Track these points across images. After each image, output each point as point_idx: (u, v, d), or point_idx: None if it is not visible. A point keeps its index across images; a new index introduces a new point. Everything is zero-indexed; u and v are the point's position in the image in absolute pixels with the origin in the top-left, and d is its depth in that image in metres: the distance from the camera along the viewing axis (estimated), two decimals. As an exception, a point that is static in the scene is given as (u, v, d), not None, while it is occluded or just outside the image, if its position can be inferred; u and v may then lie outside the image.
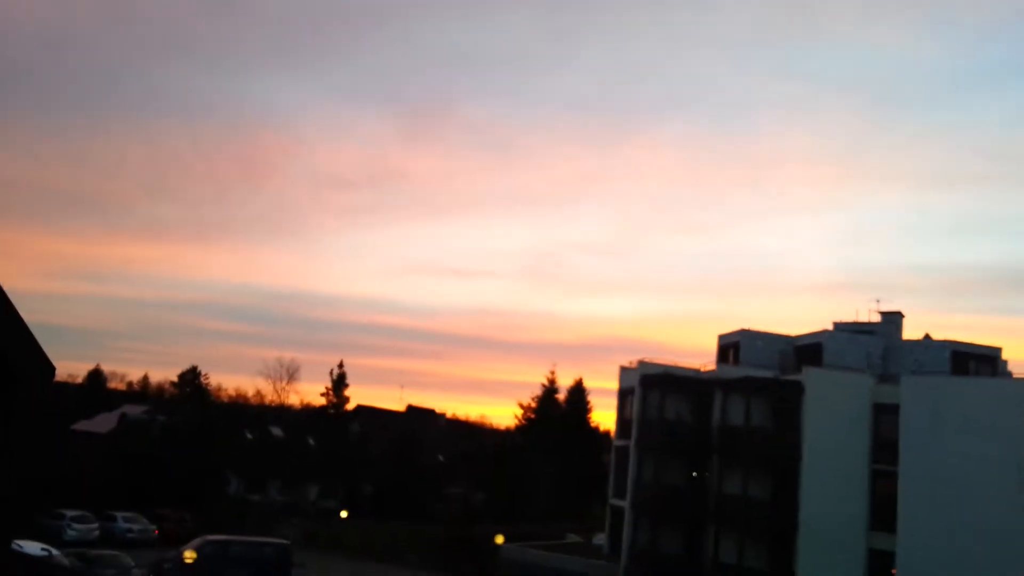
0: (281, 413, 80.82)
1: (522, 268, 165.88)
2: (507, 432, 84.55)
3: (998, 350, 39.71)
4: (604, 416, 74.86)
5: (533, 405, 71.94)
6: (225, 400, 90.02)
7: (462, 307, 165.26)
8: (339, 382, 71.64)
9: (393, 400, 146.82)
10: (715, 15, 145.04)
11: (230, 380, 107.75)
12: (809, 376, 36.68)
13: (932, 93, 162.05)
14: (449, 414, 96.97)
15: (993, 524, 32.38)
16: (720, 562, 36.53)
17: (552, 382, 72.94)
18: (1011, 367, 39.41)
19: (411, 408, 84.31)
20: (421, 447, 65.60)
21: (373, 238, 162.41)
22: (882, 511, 35.24)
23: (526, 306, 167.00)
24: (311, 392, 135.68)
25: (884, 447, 35.86)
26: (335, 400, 71.97)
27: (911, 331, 42.82)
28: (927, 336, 41.24)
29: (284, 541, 35.98)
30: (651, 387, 39.92)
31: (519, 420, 73.32)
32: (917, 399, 34.93)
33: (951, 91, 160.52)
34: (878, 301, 43.65)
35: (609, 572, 39.12)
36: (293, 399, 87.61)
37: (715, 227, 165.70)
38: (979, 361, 39.14)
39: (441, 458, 69.01)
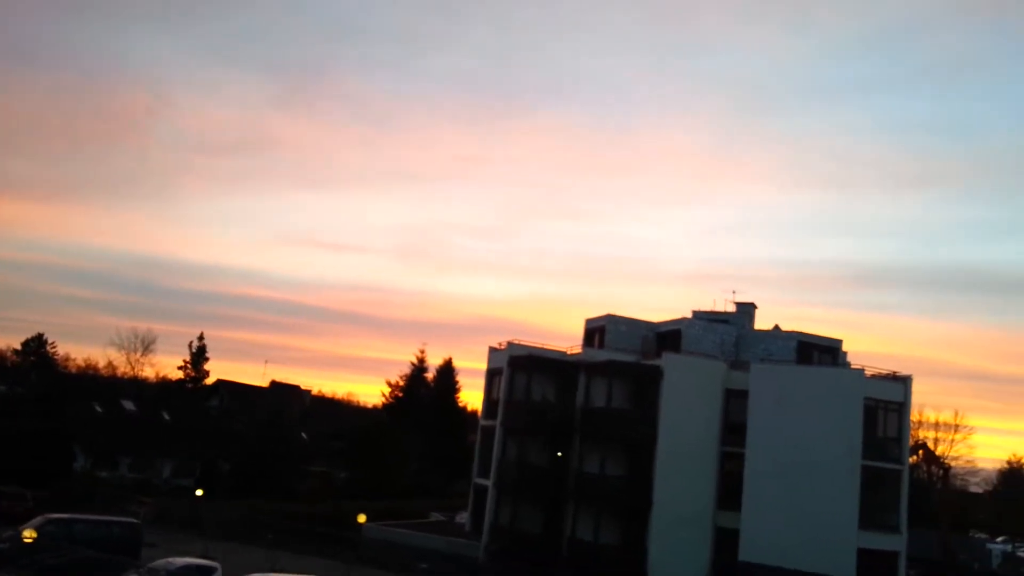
0: (135, 386, 77.22)
1: (398, 245, 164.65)
2: (374, 410, 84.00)
3: (839, 342, 42.61)
4: (473, 396, 75.56)
5: (401, 384, 71.74)
6: (73, 371, 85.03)
7: (334, 282, 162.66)
8: (198, 355, 69.18)
9: (257, 376, 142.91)
10: (603, 6, 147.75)
11: (80, 350, 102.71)
12: (668, 361, 38.30)
13: (795, 98, 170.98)
14: (315, 391, 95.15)
15: (827, 503, 34.97)
16: (577, 538, 37.76)
17: (422, 361, 72.94)
18: (850, 358, 42.37)
19: (275, 384, 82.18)
20: (285, 424, 64.15)
21: (242, 206, 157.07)
22: (729, 490, 37.34)
23: (400, 284, 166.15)
24: (168, 365, 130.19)
25: (733, 430, 37.99)
26: (194, 374, 69.48)
27: (763, 321, 45.49)
28: (776, 327, 43.86)
29: (133, 520, 34.56)
30: (518, 368, 40.62)
31: (386, 399, 72.97)
32: (764, 385, 37.17)
33: (812, 97, 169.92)
34: (734, 292, 45.97)
35: (470, 550, 39.66)
36: (148, 372, 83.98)
37: (590, 214, 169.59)
38: (822, 351, 41.85)
39: (305, 436, 67.75)
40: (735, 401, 38.24)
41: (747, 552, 35.23)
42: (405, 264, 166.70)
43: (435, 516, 50.15)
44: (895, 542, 36.15)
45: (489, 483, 40.55)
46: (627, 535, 37.43)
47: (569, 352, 42.11)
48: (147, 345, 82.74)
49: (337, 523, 41.09)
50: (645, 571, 36.11)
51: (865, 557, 34.54)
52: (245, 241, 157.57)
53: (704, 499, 37.84)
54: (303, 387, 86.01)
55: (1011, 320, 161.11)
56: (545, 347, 42.58)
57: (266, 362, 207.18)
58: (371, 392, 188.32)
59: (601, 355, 40.54)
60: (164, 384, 76.81)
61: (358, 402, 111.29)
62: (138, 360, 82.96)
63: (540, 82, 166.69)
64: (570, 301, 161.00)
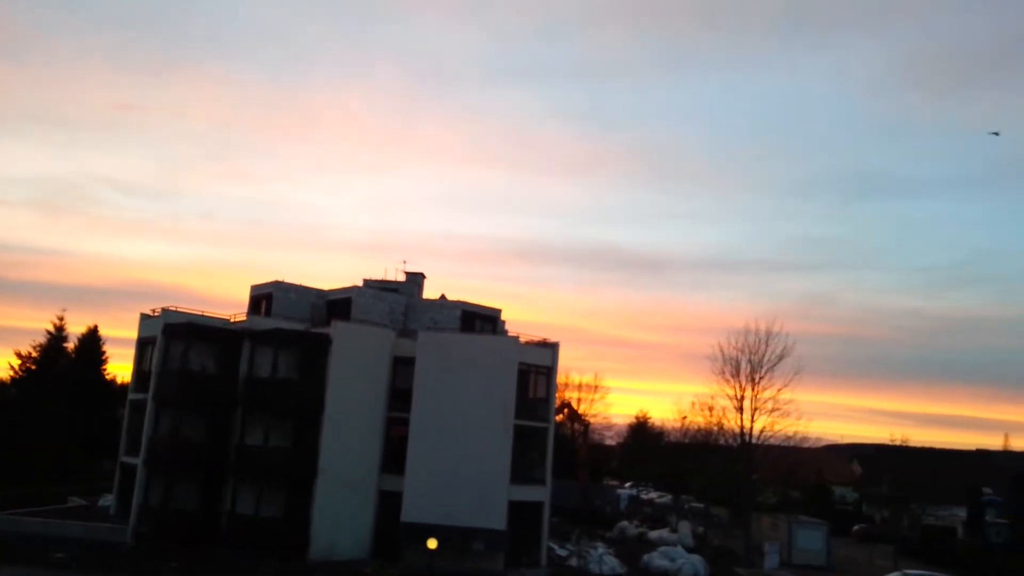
0: None
1: (36, 198, 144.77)
2: (3, 386, 73.39)
3: (499, 311, 45.39)
4: (124, 368, 69.01)
5: (35, 355, 63.39)
6: None
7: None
8: None
9: None
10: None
11: None
12: (336, 329, 38.07)
13: (475, 79, 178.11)
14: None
15: (483, 462, 37.22)
16: (237, 513, 36.32)
17: (61, 328, 64.82)
18: (508, 326, 45.44)
19: None
20: None
21: None
22: (394, 455, 38.23)
23: (38, 242, 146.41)
24: None
25: (400, 396, 38.91)
26: None
27: (431, 291, 46.98)
28: (443, 296, 45.58)
29: None
30: (174, 337, 37.81)
31: (17, 372, 64.02)
32: (429, 352, 38.49)
33: (490, 80, 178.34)
34: (404, 262, 46.93)
35: (115, 534, 36.36)
36: None
37: (262, 177, 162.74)
38: (483, 320, 44.31)
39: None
40: (403, 368, 39.12)
41: (409, 513, 36.40)
42: (45, 220, 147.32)
43: (75, 500, 45.27)
44: (541, 493, 39.56)
45: (139, 461, 37.42)
46: (291, 506, 36.75)
47: (233, 320, 40.04)
48: None
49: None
50: (308, 540, 35.81)
51: (516, 508, 37.40)
52: None
53: (370, 465, 38.36)
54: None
55: (646, 294, 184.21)
56: (206, 314, 39.98)
57: None
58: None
59: (267, 323, 39.13)
60: None
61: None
62: None
63: (213, 29, 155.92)
64: (238, 267, 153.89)
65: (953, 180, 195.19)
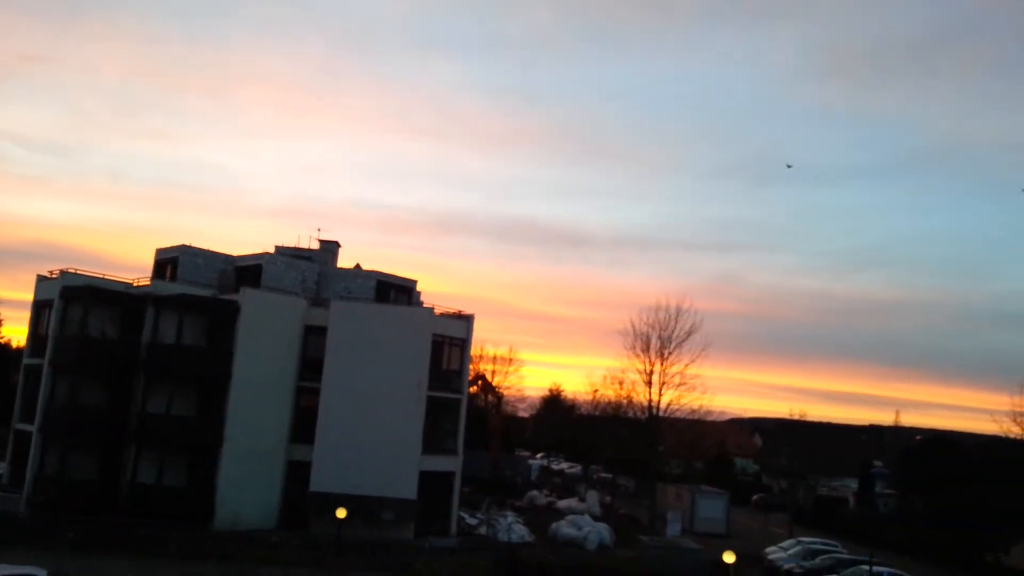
0: None
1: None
2: None
3: (414, 282, 45.17)
4: (20, 332, 65.97)
5: (-81, 317, 60.01)
6: None
7: None
8: None
9: None
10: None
11: None
12: (245, 296, 37.22)
13: (399, 48, 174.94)
14: None
15: (395, 432, 37.17)
16: (138, 482, 35.33)
17: (-50, 291, 61.59)
18: (424, 298, 45.24)
19: None
20: None
21: None
22: (304, 424, 37.80)
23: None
24: None
25: (311, 365, 38.43)
26: None
27: (346, 260, 46.34)
28: (358, 266, 45.01)
29: None
30: (73, 300, 36.28)
31: (-101, 335, 60.55)
32: (343, 322, 38.06)
33: (416, 50, 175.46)
34: (319, 230, 46.19)
35: (8, 504, 34.92)
36: None
37: (174, 136, 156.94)
38: (399, 291, 44.02)
39: None
40: (314, 337, 38.58)
41: (318, 483, 36.14)
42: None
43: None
44: (452, 463, 39.82)
45: (34, 428, 35.95)
46: (195, 475, 35.98)
47: (137, 284, 38.63)
48: None
49: None
50: (212, 509, 35.18)
51: (427, 478, 37.55)
52: None
53: (278, 434, 37.84)
54: None
55: (563, 269, 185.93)
56: (109, 277, 38.43)
57: None
58: None
59: (173, 288, 37.92)
60: None
61: None
62: None
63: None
64: (146, 230, 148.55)
65: (862, 169, 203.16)
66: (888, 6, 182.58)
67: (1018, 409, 37.33)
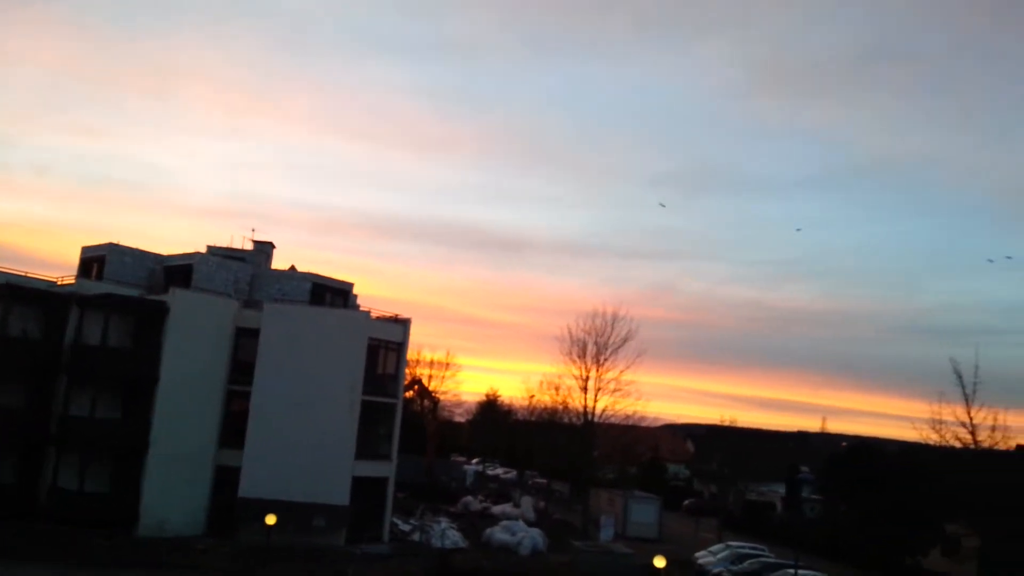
0: None
1: None
2: None
3: (351, 285, 44.68)
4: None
5: None
6: None
7: None
8: None
9: None
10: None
11: None
12: (174, 297, 36.32)
13: (337, 49, 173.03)
14: None
15: (328, 437, 36.65)
16: (59, 487, 34.12)
17: None
18: (360, 301, 44.80)
19: None
20: None
21: None
22: (234, 429, 36.95)
23: None
24: None
25: (242, 368, 37.61)
26: None
27: (281, 262, 45.62)
28: (293, 267, 44.36)
29: None
30: (-8, 299, 34.85)
31: None
32: (276, 324, 37.40)
33: (353, 52, 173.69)
34: (253, 230, 45.44)
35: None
36: None
37: (106, 132, 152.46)
38: (334, 293, 43.48)
39: None
40: (246, 340, 37.79)
41: (248, 488, 35.41)
42: None
43: None
44: (386, 469, 39.46)
45: (-54, 432, 34.38)
46: (119, 480, 34.94)
47: (61, 283, 37.33)
48: None
49: None
50: (137, 515, 34.17)
51: (360, 484, 37.10)
52: None
53: (207, 438, 36.95)
54: None
55: (501, 274, 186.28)
56: (30, 275, 36.99)
57: None
58: None
59: (98, 287, 36.77)
60: None
61: None
62: None
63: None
64: (73, 227, 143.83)
65: (794, 181, 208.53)
66: (823, 24, 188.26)
67: (936, 417, 38.72)
